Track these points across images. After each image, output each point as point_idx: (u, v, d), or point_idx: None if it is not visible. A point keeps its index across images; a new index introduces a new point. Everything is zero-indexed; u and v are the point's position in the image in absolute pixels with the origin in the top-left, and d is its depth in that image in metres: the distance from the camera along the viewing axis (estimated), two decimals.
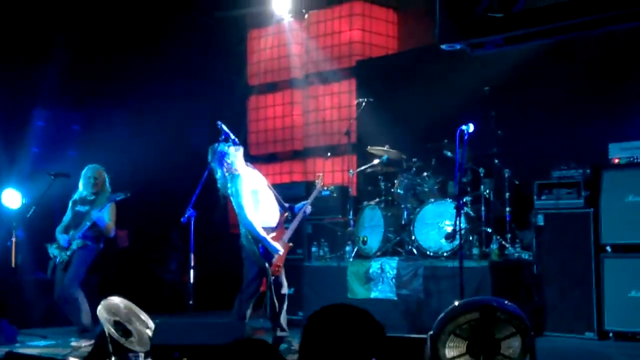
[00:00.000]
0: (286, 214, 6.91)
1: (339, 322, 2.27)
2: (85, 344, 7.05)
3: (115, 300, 6.51)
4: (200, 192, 6.72)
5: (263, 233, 6.63)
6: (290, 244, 6.83)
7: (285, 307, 6.78)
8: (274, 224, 6.77)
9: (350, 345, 2.22)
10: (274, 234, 6.70)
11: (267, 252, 6.62)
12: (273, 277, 6.62)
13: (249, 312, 6.66)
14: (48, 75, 9.83)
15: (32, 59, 9.92)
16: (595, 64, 8.10)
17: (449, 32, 6.47)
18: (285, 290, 6.80)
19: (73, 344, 7.13)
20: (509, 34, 5.96)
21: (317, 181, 7.24)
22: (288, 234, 6.80)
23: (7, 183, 9.20)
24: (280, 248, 6.66)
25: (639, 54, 7.79)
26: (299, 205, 6.93)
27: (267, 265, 6.61)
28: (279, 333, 6.73)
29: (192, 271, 6.54)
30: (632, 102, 7.81)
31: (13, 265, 8.66)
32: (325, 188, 8.17)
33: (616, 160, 7.28)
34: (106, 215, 7.55)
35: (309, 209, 6.95)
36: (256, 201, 6.70)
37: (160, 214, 9.90)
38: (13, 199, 8.90)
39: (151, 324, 6.34)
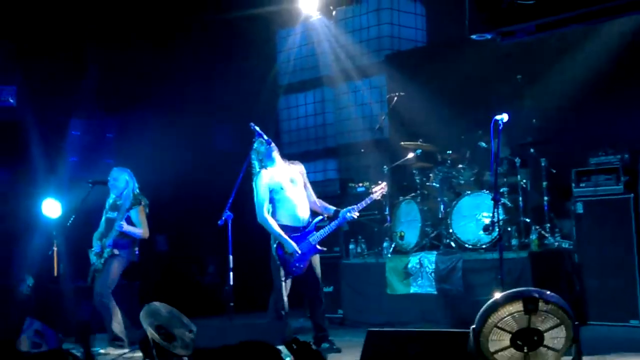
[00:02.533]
0: (321, 216, 6.83)
1: None
2: (113, 352, 7.11)
3: (157, 305, 6.56)
4: (237, 194, 6.73)
5: (278, 230, 6.62)
6: (318, 246, 6.70)
7: (321, 307, 6.75)
8: (297, 223, 6.72)
9: None
10: (298, 234, 6.67)
11: (283, 251, 6.63)
12: (299, 276, 6.62)
13: (284, 311, 6.63)
14: (82, 85, 9.93)
15: (66, 69, 10.03)
16: (632, 47, 7.96)
17: (479, 22, 6.39)
18: (318, 291, 6.74)
19: (101, 351, 7.18)
20: (540, 20, 5.87)
21: (373, 189, 6.91)
22: (318, 236, 6.69)
23: (47, 193, 9.31)
24: (296, 247, 6.61)
25: None
26: (344, 210, 6.76)
27: (278, 262, 6.63)
28: (319, 333, 6.72)
29: (231, 273, 6.55)
30: None
31: (55, 274, 8.77)
32: (361, 185, 8.14)
33: None
34: (135, 220, 7.55)
35: (355, 215, 6.77)
36: (277, 199, 6.69)
37: (197, 217, 9.95)
38: (53, 208, 9.00)
39: (194, 328, 6.38)
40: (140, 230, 7.57)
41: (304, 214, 6.75)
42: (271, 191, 6.70)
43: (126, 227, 7.45)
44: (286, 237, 6.64)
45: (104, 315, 7.43)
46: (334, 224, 6.74)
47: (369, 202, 6.77)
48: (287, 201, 6.72)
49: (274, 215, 6.71)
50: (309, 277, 6.72)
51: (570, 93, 8.36)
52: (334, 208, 6.82)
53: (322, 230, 6.69)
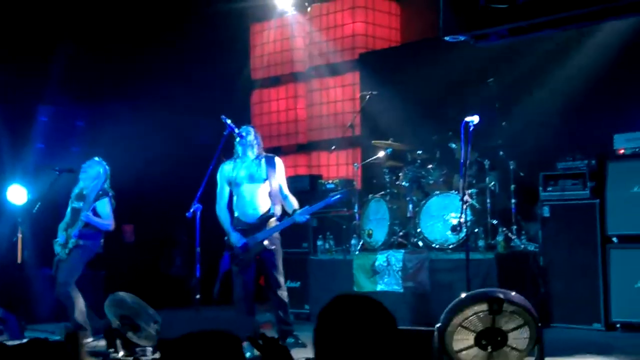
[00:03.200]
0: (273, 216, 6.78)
1: (352, 314, 2.27)
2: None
3: (122, 295, 6.54)
4: (206, 186, 6.73)
5: (225, 222, 6.74)
6: (265, 242, 6.65)
7: (279, 302, 6.74)
8: (246, 218, 6.74)
9: (364, 337, 2.22)
10: (247, 228, 6.70)
11: (229, 243, 6.74)
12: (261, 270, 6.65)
13: (246, 303, 6.65)
14: (51, 71, 9.82)
15: (36, 55, 9.91)
16: (600, 54, 8.06)
17: (453, 24, 6.43)
18: (273, 286, 6.72)
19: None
20: (513, 25, 5.93)
21: (333, 192, 6.95)
22: (265, 232, 6.67)
23: (12, 179, 9.20)
24: (236, 240, 6.65)
25: None
26: (298, 212, 6.69)
27: (228, 252, 6.69)
28: (284, 327, 6.73)
29: (198, 266, 6.53)
30: (637, 93, 7.79)
31: (19, 261, 8.67)
32: (330, 182, 8.15)
33: (621, 151, 7.28)
34: (102, 211, 7.49)
35: (306, 217, 6.71)
36: (234, 192, 6.80)
37: (165, 208, 9.91)
38: (18, 194, 8.90)
39: (158, 319, 6.36)
40: (107, 221, 7.51)
41: (255, 209, 6.74)
42: (230, 184, 6.80)
43: (92, 218, 7.39)
44: (230, 229, 6.70)
45: (67, 305, 7.36)
46: (283, 223, 6.73)
47: (322, 205, 6.78)
48: (240, 196, 6.78)
49: (231, 207, 6.80)
50: (265, 273, 6.72)
51: (540, 97, 8.45)
52: (295, 207, 6.76)
53: (272, 227, 6.68)
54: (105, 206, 7.49)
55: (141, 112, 10.11)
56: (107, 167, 7.61)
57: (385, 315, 2.30)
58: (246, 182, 6.73)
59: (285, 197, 6.80)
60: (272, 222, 6.69)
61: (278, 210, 6.78)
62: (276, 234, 6.74)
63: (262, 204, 6.73)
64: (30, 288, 8.68)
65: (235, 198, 6.83)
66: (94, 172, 7.56)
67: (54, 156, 9.53)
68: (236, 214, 6.80)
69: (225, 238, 6.78)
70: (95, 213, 7.44)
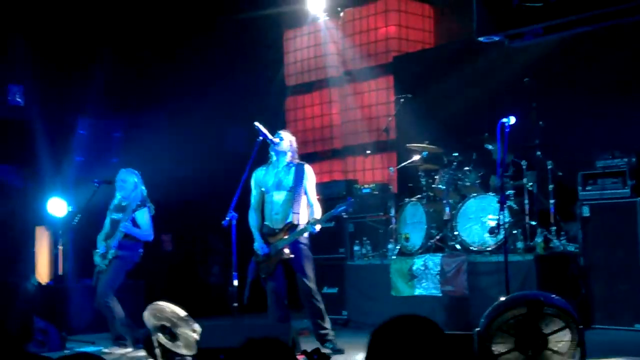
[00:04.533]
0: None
1: (408, 336, 2.22)
2: (117, 351, 7.11)
3: (161, 304, 6.57)
4: (241, 194, 6.76)
5: (252, 228, 6.83)
6: (285, 250, 6.66)
7: (313, 308, 6.73)
8: (273, 225, 6.79)
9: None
10: (272, 235, 6.75)
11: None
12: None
13: (278, 310, 6.66)
14: (89, 84, 9.95)
15: (74, 68, 10.06)
16: (638, 50, 7.94)
17: (486, 24, 6.39)
18: (304, 292, 6.73)
19: (104, 350, 7.18)
20: (548, 23, 5.86)
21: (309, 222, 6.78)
22: (285, 240, 6.69)
23: (53, 192, 9.33)
24: (258, 247, 6.74)
25: None
26: (311, 222, 6.66)
27: (255, 260, 6.75)
28: (320, 332, 6.72)
29: (235, 274, 6.55)
30: None
31: (60, 272, 8.78)
32: (366, 186, 8.16)
33: None
34: (141, 222, 7.56)
35: (317, 228, 6.66)
36: (265, 200, 6.87)
37: (202, 217, 9.97)
38: (59, 207, 9.02)
39: (197, 328, 6.38)
40: (146, 232, 7.59)
41: (280, 216, 6.77)
42: (261, 190, 6.89)
43: (131, 229, 7.48)
44: (257, 235, 6.81)
45: (107, 316, 7.45)
46: (296, 232, 6.72)
47: (327, 217, 6.77)
48: (267, 203, 6.85)
49: (263, 212, 6.91)
50: (297, 281, 6.76)
51: (577, 95, 8.34)
52: (315, 217, 6.73)
53: (290, 235, 6.69)
54: (144, 216, 7.57)
55: (177, 121, 10.20)
56: (138, 174, 7.70)
57: (442, 339, 2.25)
58: (274, 189, 6.78)
59: (310, 205, 6.83)
60: (294, 231, 6.72)
61: (303, 219, 6.76)
62: (305, 240, 6.74)
63: (287, 212, 6.75)
64: (71, 299, 8.78)
65: (264, 205, 6.90)
66: (132, 182, 7.65)
67: (93, 168, 9.66)
68: (266, 219, 6.84)
69: (254, 245, 6.85)
70: (134, 223, 7.52)
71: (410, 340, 2.21)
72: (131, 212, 7.46)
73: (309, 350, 3.08)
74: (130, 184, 7.64)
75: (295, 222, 6.72)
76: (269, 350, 2.53)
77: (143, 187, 7.69)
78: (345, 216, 8.74)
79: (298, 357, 2.63)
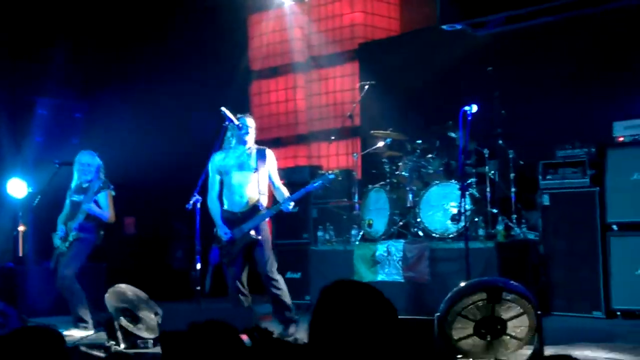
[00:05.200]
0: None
1: (351, 301, 2.25)
2: (77, 334, 7.06)
3: (123, 287, 6.54)
4: (205, 178, 6.73)
5: (214, 215, 6.72)
6: (252, 232, 6.57)
7: (274, 292, 6.69)
8: (234, 208, 6.69)
9: (362, 325, 2.21)
10: (234, 218, 6.66)
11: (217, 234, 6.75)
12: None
13: (239, 295, 6.64)
14: (50, 64, 9.82)
15: (35, 48, 9.92)
16: (599, 42, 8.06)
17: (450, 13, 6.45)
18: (265, 276, 6.66)
19: (65, 332, 7.09)
20: (510, 12, 5.93)
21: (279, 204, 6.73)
22: (251, 222, 6.59)
23: (13, 172, 9.20)
24: (222, 232, 6.64)
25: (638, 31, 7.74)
26: (283, 201, 6.62)
27: (217, 245, 6.69)
28: (287, 315, 6.70)
29: (198, 258, 6.54)
30: (636, 80, 7.78)
31: (20, 254, 8.69)
32: (330, 172, 8.14)
33: (621, 139, 7.26)
34: (103, 203, 7.51)
35: (291, 206, 6.60)
36: (224, 183, 6.75)
37: (165, 200, 9.91)
38: (18, 188, 8.91)
39: (159, 311, 6.37)
40: (108, 213, 7.54)
41: (243, 198, 6.68)
42: (220, 174, 6.76)
43: (94, 209, 7.42)
44: (219, 221, 6.69)
45: (68, 298, 7.39)
46: (269, 211, 6.67)
47: (303, 192, 6.67)
48: (229, 185, 6.72)
49: (221, 197, 6.77)
50: (257, 263, 6.71)
51: (539, 85, 8.44)
52: (285, 196, 6.71)
53: (256, 217, 6.62)
54: (106, 198, 7.52)
55: (140, 103, 10.12)
56: (97, 156, 7.65)
57: (385, 304, 2.29)
58: (235, 170, 6.69)
59: (277, 188, 6.77)
60: (259, 212, 6.66)
61: (265, 201, 6.73)
62: (264, 225, 6.71)
63: (250, 194, 6.68)
64: (31, 281, 8.70)
65: (224, 188, 6.78)
66: (96, 164, 7.58)
67: (53, 149, 9.55)
68: (225, 204, 6.75)
69: (214, 230, 6.76)
70: (96, 205, 7.47)
71: (354, 303, 2.25)
72: (93, 194, 7.40)
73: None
74: (94, 166, 7.58)
75: (262, 204, 6.68)
76: (213, 332, 2.55)
77: (103, 171, 7.64)
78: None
79: (241, 336, 2.64)
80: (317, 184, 6.66)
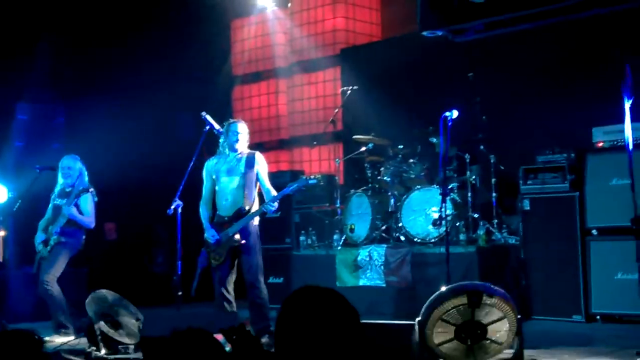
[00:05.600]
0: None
1: (313, 306, 2.27)
2: (58, 339, 7.02)
3: (104, 292, 6.52)
4: (187, 183, 6.72)
5: (202, 219, 6.74)
6: (236, 236, 6.57)
7: (255, 298, 6.65)
8: (223, 212, 6.70)
9: (324, 330, 2.22)
10: (222, 222, 6.66)
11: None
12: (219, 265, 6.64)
13: (224, 301, 6.61)
14: (30, 69, 9.76)
15: (14, 52, 9.85)
16: (577, 48, 8.12)
17: (431, 19, 6.49)
18: (249, 282, 6.64)
19: (46, 338, 7.04)
20: (489, 19, 5.97)
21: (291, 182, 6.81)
22: (235, 226, 6.59)
23: None
24: (208, 236, 6.65)
25: (619, 38, 7.81)
26: (266, 202, 6.62)
27: (204, 250, 6.68)
28: (260, 325, 6.64)
29: (179, 263, 6.52)
30: (614, 86, 7.82)
31: (0, 259, 8.63)
32: (312, 177, 8.16)
33: (600, 144, 7.33)
34: (84, 207, 7.47)
35: (275, 205, 6.59)
36: (216, 188, 6.77)
37: (146, 206, 9.87)
38: None
39: (140, 316, 6.35)
40: (88, 218, 7.50)
41: (229, 202, 6.68)
42: (212, 179, 6.79)
43: (75, 214, 7.38)
44: (207, 225, 6.71)
45: (49, 303, 7.34)
46: (252, 214, 6.64)
47: (281, 195, 6.62)
48: (219, 191, 6.75)
49: (214, 202, 6.81)
50: (242, 269, 6.71)
51: (520, 91, 8.50)
52: (273, 196, 6.70)
53: (240, 220, 6.61)
54: (87, 202, 7.48)
55: (122, 108, 10.08)
56: (80, 159, 7.62)
57: (346, 308, 2.31)
58: (224, 175, 6.72)
59: (266, 191, 6.76)
60: (243, 215, 6.66)
61: (253, 205, 6.72)
62: (255, 230, 6.69)
63: (236, 198, 6.68)
64: (12, 287, 8.64)
65: (216, 193, 6.82)
66: (77, 169, 7.55)
67: (34, 154, 9.50)
68: (218, 210, 6.80)
69: (205, 235, 6.78)
70: (77, 209, 7.43)
71: (315, 308, 2.26)
72: (74, 198, 7.36)
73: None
74: (76, 170, 7.55)
75: (246, 208, 6.67)
76: (194, 339, 2.55)
77: (85, 172, 7.61)
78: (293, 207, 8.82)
79: (216, 336, 2.65)
80: (293, 186, 6.65)
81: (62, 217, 7.35)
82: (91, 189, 7.48)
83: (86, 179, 7.57)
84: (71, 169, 7.56)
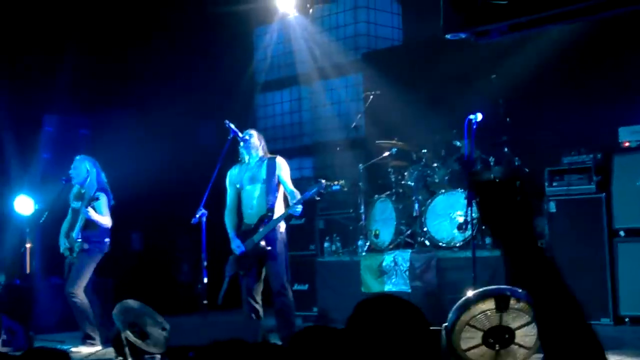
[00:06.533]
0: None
1: (388, 315, 2.22)
2: (85, 350, 7.06)
3: (130, 302, 6.54)
4: (211, 191, 6.74)
5: (228, 228, 6.76)
6: (262, 243, 6.58)
7: (282, 306, 6.63)
8: (248, 220, 6.73)
9: (397, 340, 2.18)
10: (248, 230, 6.68)
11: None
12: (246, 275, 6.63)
13: (250, 309, 6.60)
14: (56, 81, 9.85)
15: (41, 65, 9.95)
16: (604, 47, 8.04)
17: (453, 21, 6.40)
18: (276, 290, 6.62)
19: (72, 349, 7.07)
20: (513, 21, 5.90)
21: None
22: (260, 233, 6.60)
23: (20, 189, 9.23)
24: (234, 245, 6.65)
25: None
26: (291, 206, 6.65)
27: (231, 258, 6.68)
28: (284, 333, 6.61)
29: (205, 271, 6.53)
30: None
31: (27, 271, 8.70)
32: (336, 183, 8.13)
33: (626, 144, 7.23)
34: (98, 208, 7.41)
35: (299, 208, 6.61)
36: (241, 196, 6.80)
37: (171, 215, 9.92)
38: (25, 205, 8.93)
39: (167, 326, 6.36)
40: (104, 218, 7.45)
41: (254, 210, 6.70)
42: (237, 188, 6.82)
43: (92, 214, 7.33)
44: (232, 235, 6.72)
45: (75, 313, 7.37)
46: (275, 219, 6.63)
47: (302, 199, 6.61)
48: (243, 199, 6.79)
49: (240, 211, 6.82)
50: (268, 276, 6.69)
51: (545, 92, 8.43)
52: (297, 198, 6.68)
53: (264, 227, 6.61)
54: (101, 204, 7.42)
55: (146, 118, 10.13)
56: (92, 160, 7.61)
57: (421, 320, 2.26)
58: (247, 183, 6.74)
59: (291, 193, 6.71)
60: (268, 221, 6.66)
61: (278, 211, 6.72)
62: (282, 237, 6.69)
63: (259, 205, 6.69)
64: (39, 298, 8.71)
65: (241, 202, 6.84)
66: (83, 169, 7.55)
67: (60, 165, 9.55)
68: (244, 219, 6.80)
69: (231, 245, 6.78)
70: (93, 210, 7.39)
71: (390, 317, 2.22)
72: (90, 199, 7.34)
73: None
74: (82, 170, 7.53)
75: (270, 214, 6.67)
76: (234, 350, 2.54)
77: (101, 173, 7.59)
78: (318, 213, 8.83)
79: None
80: (313, 191, 6.64)
81: (81, 219, 7.33)
82: (107, 188, 7.45)
83: (98, 178, 7.53)
84: (76, 169, 7.56)
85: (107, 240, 7.50)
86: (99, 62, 10.31)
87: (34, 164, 9.98)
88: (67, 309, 7.57)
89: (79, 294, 7.31)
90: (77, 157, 7.68)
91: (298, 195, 6.67)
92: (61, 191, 7.87)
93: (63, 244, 7.52)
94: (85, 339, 7.33)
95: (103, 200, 7.43)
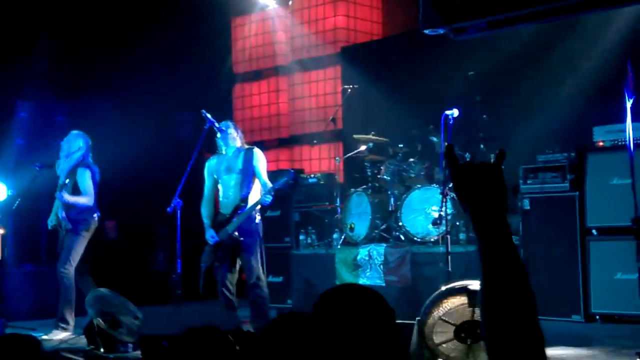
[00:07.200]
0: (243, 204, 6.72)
1: (351, 303, 2.24)
2: (56, 337, 7.00)
3: (103, 291, 6.52)
4: (187, 181, 6.72)
5: (203, 218, 6.79)
6: (235, 234, 6.61)
7: (254, 297, 6.67)
8: (223, 210, 6.78)
9: (361, 328, 2.19)
10: (222, 220, 6.71)
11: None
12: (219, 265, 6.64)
13: (224, 299, 6.62)
14: (31, 66, 9.75)
15: (15, 50, 9.85)
16: (576, 47, 8.11)
17: (432, 17, 6.43)
18: (250, 279, 6.66)
19: (44, 337, 7.00)
20: (491, 18, 5.94)
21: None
22: (234, 223, 6.62)
23: None
24: (210, 240, 6.68)
25: (619, 37, 7.79)
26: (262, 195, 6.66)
27: (207, 249, 6.69)
28: (256, 324, 6.63)
29: (179, 261, 6.52)
30: (615, 85, 7.81)
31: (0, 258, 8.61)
32: (312, 176, 8.17)
33: (601, 144, 7.31)
34: (81, 184, 7.35)
35: (269, 197, 6.59)
36: (219, 187, 6.84)
37: (147, 204, 9.87)
38: None
39: (139, 315, 6.35)
40: (84, 198, 7.35)
41: (229, 199, 6.75)
42: (214, 179, 6.88)
43: (67, 197, 7.26)
44: (207, 225, 6.77)
45: (61, 292, 7.29)
46: (247, 209, 6.64)
47: (276, 187, 6.59)
48: (220, 189, 6.83)
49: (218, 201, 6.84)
50: (243, 266, 6.71)
51: (520, 91, 8.49)
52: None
53: (238, 217, 6.64)
54: (85, 179, 7.36)
55: (122, 106, 10.08)
56: (88, 139, 7.55)
57: (385, 308, 2.27)
58: (224, 174, 6.77)
59: (264, 184, 6.73)
60: (241, 212, 6.68)
61: (251, 201, 6.73)
62: (256, 229, 6.70)
63: (234, 195, 6.73)
64: (11, 285, 8.64)
65: (218, 192, 6.88)
66: (76, 145, 7.48)
67: (34, 152, 9.49)
68: (220, 208, 6.83)
69: (205, 235, 6.79)
70: (75, 186, 7.31)
71: (352, 304, 2.23)
72: (67, 172, 7.27)
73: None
74: (73, 145, 7.47)
75: (243, 205, 6.68)
76: (208, 338, 2.54)
77: (90, 154, 7.53)
78: (294, 205, 8.84)
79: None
80: (282, 180, 6.64)
81: (58, 202, 7.30)
82: (93, 166, 7.39)
83: (89, 155, 7.47)
84: (69, 142, 7.52)
85: (93, 217, 7.40)
86: (75, 49, 10.24)
87: (7, 149, 9.87)
88: (39, 297, 7.52)
89: (70, 272, 7.25)
90: (74, 132, 7.61)
91: (269, 186, 6.68)
92: (34, 178, 7.80)
93: (50, 222, 7.46)
94: (59, 322, 7.25)
95: (87, 175, 7.35)
